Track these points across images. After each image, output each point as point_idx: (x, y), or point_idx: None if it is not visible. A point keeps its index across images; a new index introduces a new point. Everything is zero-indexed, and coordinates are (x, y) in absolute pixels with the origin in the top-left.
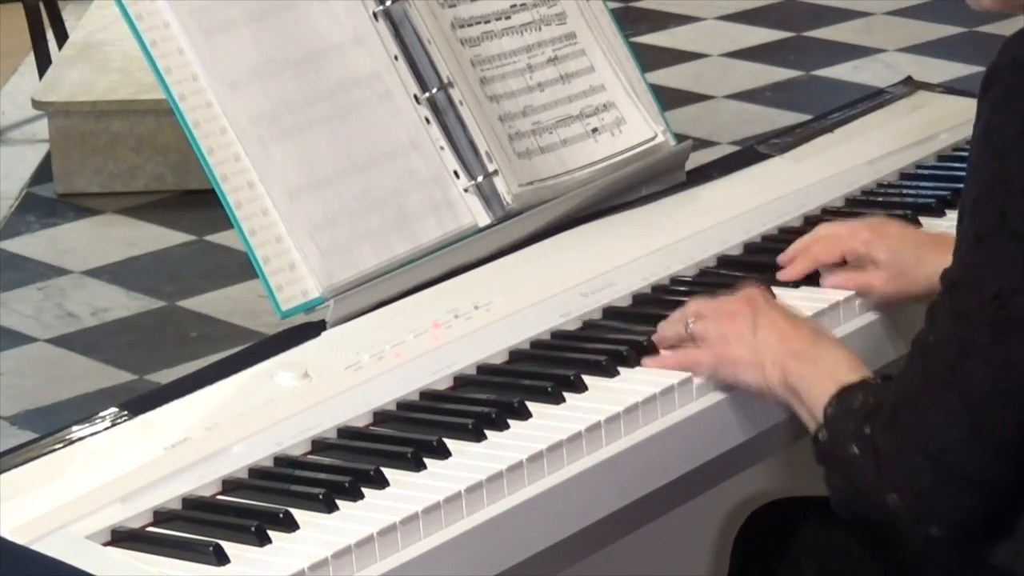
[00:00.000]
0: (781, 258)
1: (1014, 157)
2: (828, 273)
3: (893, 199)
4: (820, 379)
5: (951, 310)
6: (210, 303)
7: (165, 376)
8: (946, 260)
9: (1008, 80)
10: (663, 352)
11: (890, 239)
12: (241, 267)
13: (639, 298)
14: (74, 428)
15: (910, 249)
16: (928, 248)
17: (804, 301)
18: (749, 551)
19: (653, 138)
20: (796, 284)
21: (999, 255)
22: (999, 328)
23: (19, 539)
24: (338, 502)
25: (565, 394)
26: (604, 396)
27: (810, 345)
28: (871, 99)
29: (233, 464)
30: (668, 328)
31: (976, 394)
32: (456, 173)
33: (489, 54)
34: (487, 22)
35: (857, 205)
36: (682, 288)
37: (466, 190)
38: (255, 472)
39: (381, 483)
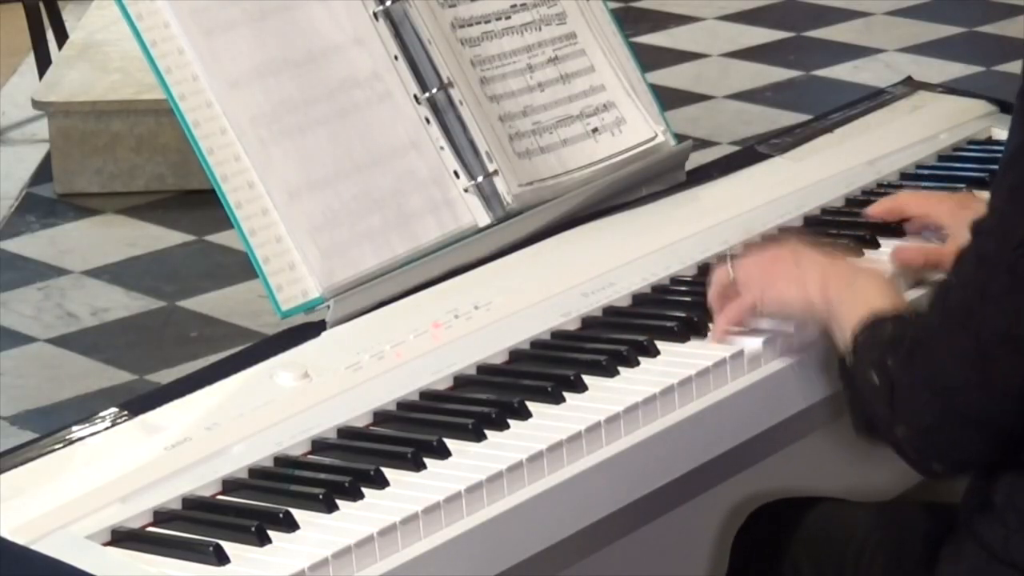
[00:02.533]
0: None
1: None
2: (903, 246)
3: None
4: (856, 303)
5: (976, 254)
6: (210, 303)
7: (165, 376)
8: None
9: None
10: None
11: (975, 213)
12: (241, 267)
13: (639, 298)
14: (74, 428)
15: None
16: None
17: None
18: (748, 551)
19: (653, 138)
20: None
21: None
22: (1018, 276)
23: (19, 539)
24: (338, 502)
25: (565, 394)
26: (604, 396)
27: (850, 272)
28: (871, 99)
29: (233, 464)
30: (714, 288)
31: (989, 338)
32: (456, 173)
33: (489, 54)
34: (487, 22)
35: (857, 205)
36: (682, 288)
37: (466, 190)
38: (255, 472)
39: (381, 483)
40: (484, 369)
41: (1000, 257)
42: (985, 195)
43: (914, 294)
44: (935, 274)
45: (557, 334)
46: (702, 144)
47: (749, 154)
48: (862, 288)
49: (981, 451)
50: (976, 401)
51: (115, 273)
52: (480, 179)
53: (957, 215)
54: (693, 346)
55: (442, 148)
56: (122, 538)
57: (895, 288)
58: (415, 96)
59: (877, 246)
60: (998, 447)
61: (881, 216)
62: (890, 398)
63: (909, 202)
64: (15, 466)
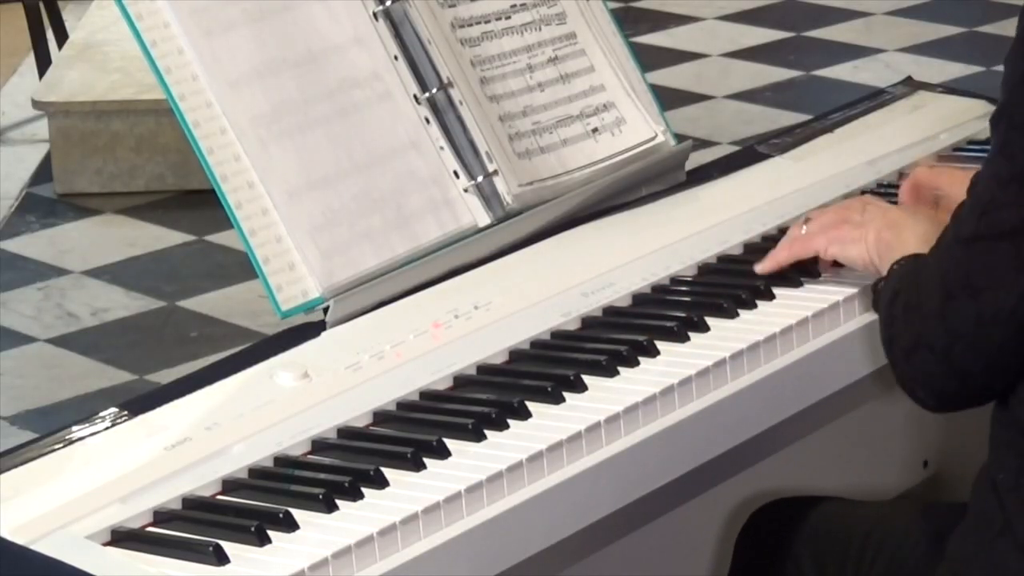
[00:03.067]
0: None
1: (1018, 92)
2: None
3: (893, 199)
4: (898, 250)
5: (966, 204)
6: (210, 303)
7: (165, 376)
8: None
9: None
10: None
11: None
12: (241, 267)
13: (639, 298)
14: (74, 428)
15: None
16: None
17: (803, 300)
18: (751, 551)
19: (653, 138)
20: (799, 283)
21: (998, 171)
22: (982, 228)
23: (19, 539)
24: (338, 502)
25: (565, 394)
26: (604, 396)
27: (906, 216)
28: (871, 99)
29: (233, 464)
30: (782, 246)
31: (952, 278)
32: (456, 173)
33: (489, 54)
34: (487, 22)
35: None
36: (682, 288)
37: (466, 190)
38: (255, 472)
39: (381, 483)
40: (484, 369)
41: (973, 209)
42: None
43: (861, 320)
44: None
45: (557, 334)
46: (702, 144)
47: (749, 154)
48: (909, 235)
49: (950, 385)
50: (936, 332)
51: (115, 273)
52: (480, 179)
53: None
54: (693, 346)
55: (442, 148)
56: (122, 538)
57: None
58: (415, 96)
59: (772, 296)
60: (968, 387)
61: (905, 197)
62: (889, 316)
63: (922, 177)
64: (15, 466)
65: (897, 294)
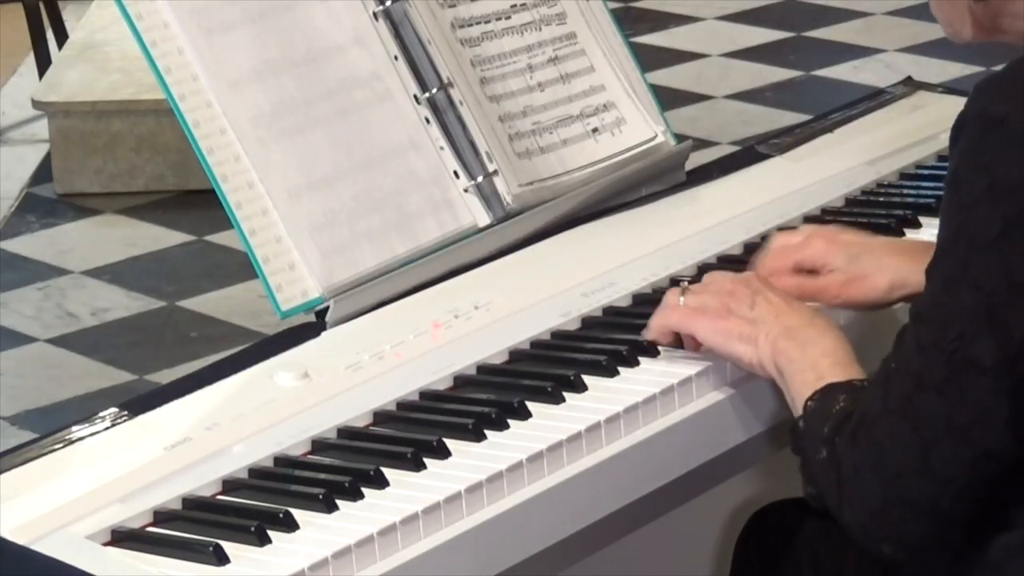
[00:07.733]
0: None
1: (978, 211)
2: (780, 279)
3: (893, 199)
4: (804, 367)
5: (916, 342)
6: (210, 303)
7: (165, 376)
8: (910, 267)
9: (974, 134)
10: (661, 318)
11: (847, 246)
12: (241, 267)
13: (639, 298)
14: (74, 428)
15: (870, 254)
16: (891, 254)
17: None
18: (751, 552)
19: (653, 138)
20: None
21: (961, 302)
22: (956, 367)
23: (19, 539)
24: (338, 502)
25: (565, 394)
26: (604, 396)
27: (804, 325)
28: (871, 99)
29: (233, 464)
30: (657, 315)
31: (929, 426)
32: (456, 173)
33: (489, 54)
34: (487, 22)
35: (857, 205)
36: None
37: (466, 190)
38: (255, 472)
39: (381, 483)
40: (484, 369)
41: (938, 347)
42: (851, 234)
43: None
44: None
45: (557, 334)
46: (702, 144)
47: (749, 154)
48: (814, 347)
49: (930, 537)
50: (918, 487)
51: (115, 273)
52: (480, 179)
53: (829, 251)
54: None
55: (442, 148)
56: (122, 538)
57: (848, 348)
58: (415, 96)
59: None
60: (949, 533)
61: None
62: (837, 477)
63: (770, 264)
64: (15, 466)
65: (833, 452)
